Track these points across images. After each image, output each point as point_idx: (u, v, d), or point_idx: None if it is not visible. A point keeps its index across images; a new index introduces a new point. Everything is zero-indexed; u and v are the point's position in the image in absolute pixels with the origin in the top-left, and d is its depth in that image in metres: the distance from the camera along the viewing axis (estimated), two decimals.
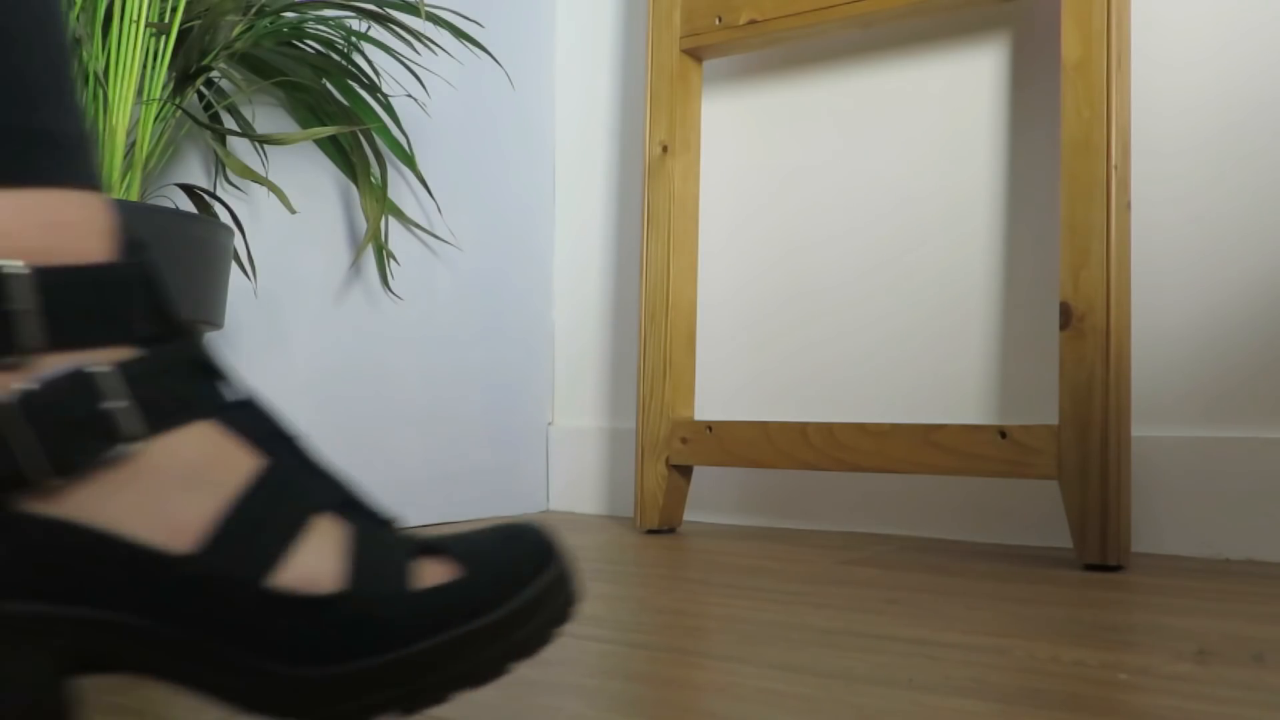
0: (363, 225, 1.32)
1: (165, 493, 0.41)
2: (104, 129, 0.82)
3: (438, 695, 0.44)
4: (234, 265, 1.13)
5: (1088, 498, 1.06)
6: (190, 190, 0.99)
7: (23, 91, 0.41)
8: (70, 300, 0.40)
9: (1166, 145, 1.19)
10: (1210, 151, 1.17)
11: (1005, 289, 1.28)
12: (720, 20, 1.36)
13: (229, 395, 0.44)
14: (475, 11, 1.46)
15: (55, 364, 0.39)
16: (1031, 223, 1.26)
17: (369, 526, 0.45)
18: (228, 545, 0.42)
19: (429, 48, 1.22)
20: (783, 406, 1.43)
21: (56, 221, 0.40)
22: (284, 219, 1.24)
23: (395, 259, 1.37)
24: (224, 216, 1.11)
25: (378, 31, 1.27)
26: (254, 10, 0.95)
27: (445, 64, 1.41)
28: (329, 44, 1.16)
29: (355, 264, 1.33)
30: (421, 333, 1.42)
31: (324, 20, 1.13)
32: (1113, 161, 1.08)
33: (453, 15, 1.27)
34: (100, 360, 0.40)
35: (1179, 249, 1.18)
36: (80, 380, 0.40)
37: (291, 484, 0.44)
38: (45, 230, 0.40)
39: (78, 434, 0.39)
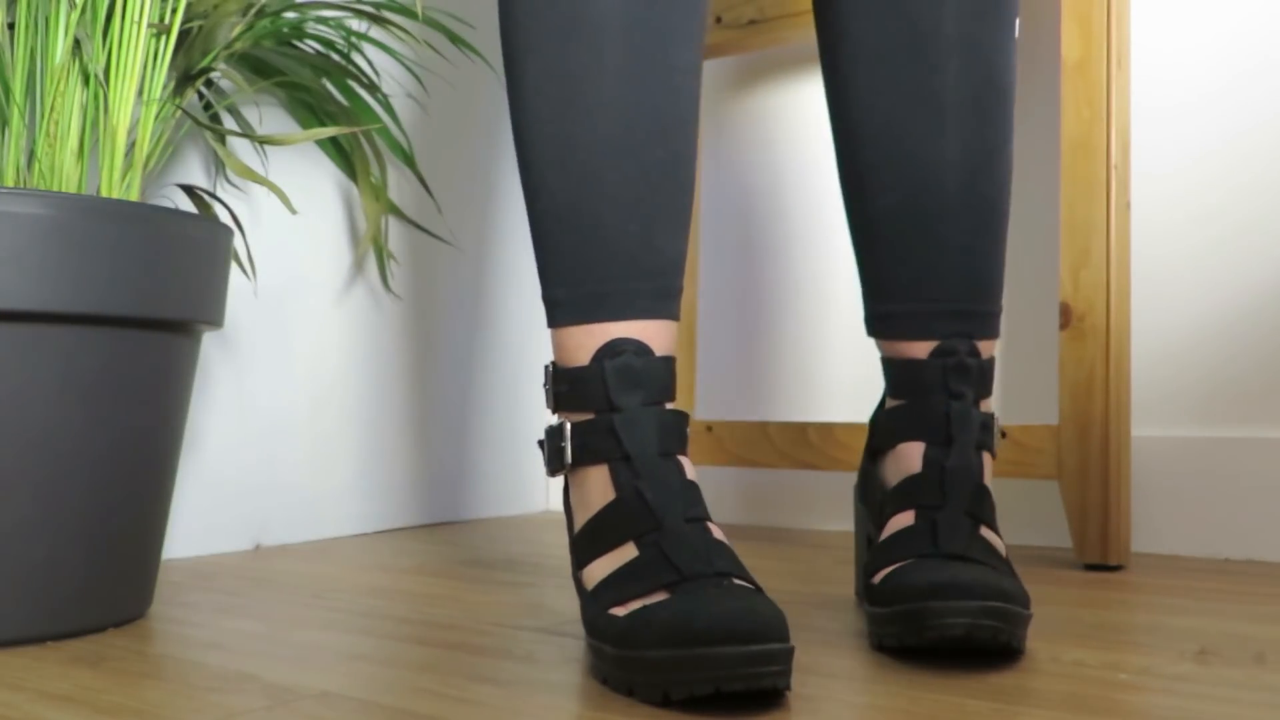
0: (363, 225, 1.32)
1: (576, 498, 0.72)
2: (104, 129, 0.81)
3: None
4: (234, 265, 1.13)
5: (1088, 498, 1.06)
6: (190, 190, 0.99)
7: (677, 263, 0.73)
8: (565, 387, 0.72)
9: (1166, 145, 1.19)
10: (1210, 151, 1.17)
11: (1005, 289, 1.28)
12: (720, 20, 1.36)
13: (621, 451, 0.68)
14: (472, 13, 1.46)
15: (568, 419, 0.72)
16: (1031, 223, 1.26)
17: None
18: (581, 548, 0.70)
19: (427, 48, 1.22)
20: (783, 406, 1.43)
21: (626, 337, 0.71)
22: (284, 219, 1.24)
23: (395, 259, 1.37)
24: (224, 216, 1.10)
25: (378, 32, 1.27)
26: (254, 10, 0.95)
27: (445, 64, 1.42)
28: (329, 44, 1.16)
29: (355, 264, 1.33)
30: (421, 333, 1.42)
31: (324, 20, 1.13)
32: (1113, 161, 1.08)
33: (445, 16, 1.27)
34: (576, 420, 0.71)
35: (1179, 249, 1.18)
36: (560, 429, 0.71)
37: (626, 514, 0.67)
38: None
39: (556, 455, 0.71)
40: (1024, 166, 1.28)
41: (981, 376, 0.79)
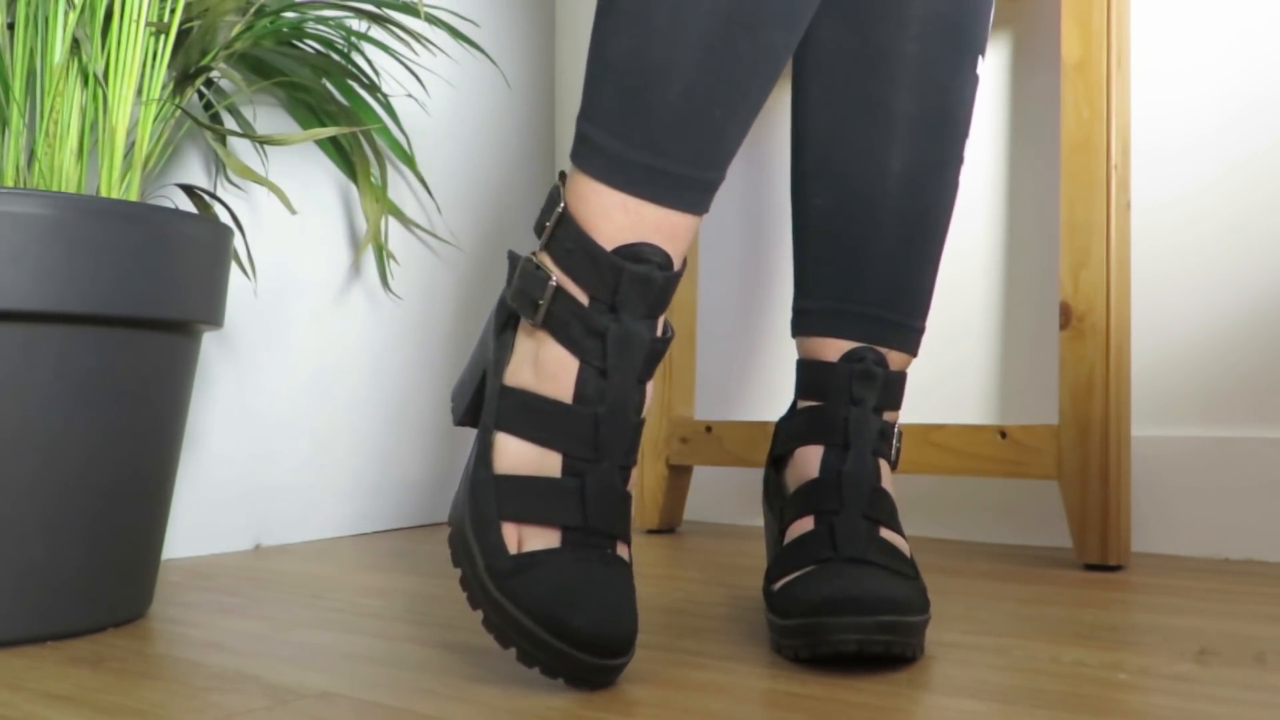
0: (363, 225, 1.32)
1: (524, 351, 0.68)
2: (103, 129, 0.81)
3: None
4: (234, 265, 1.13)
5: (1088, 498, 1.06)
6: (190, 190, 0.99)
7: (730, 156, 0.71)
8: (570, 245, 0.66)
9: (1166, 145, 1.19)
10: (1210, 151, 1.17)
11: (1005, 289, 1.28)
12: None
13: (602, 362, 0.65)
14: (474, 11, 1.46)
15: (558, 279, 0.66)
16: (1031, 223, 1.26)
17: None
18: (507, 418, 0.67)
19: (427, 48, 1.22)
20: (783, 406, 1.43)
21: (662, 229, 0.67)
22: (284, 219, 1.24)
23: (395, 259, 1.37)
24: (224, 216, 1.11)
25: (377, 31, 1.27)
26: (254, 10, 0.95)
27: (445, 64, 1.42)
28: (329, 44, 1.16)
29: (355, 264, 1.33)
30: (421, 333, 1.42)
31: (324, 20, 1.13)
32: (1113, 161, 1.08)
33: (449, 15, 1.27)
34: (563, 284, 0.66)
35: (1179, 249, 1.18)
36: (540, 281, 0.66)
37: (572, 429, 0.65)
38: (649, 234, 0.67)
39: (526, 302, 0.66)
40: (1024, 166, 1.28)
41: (888, 387, 0.79)
